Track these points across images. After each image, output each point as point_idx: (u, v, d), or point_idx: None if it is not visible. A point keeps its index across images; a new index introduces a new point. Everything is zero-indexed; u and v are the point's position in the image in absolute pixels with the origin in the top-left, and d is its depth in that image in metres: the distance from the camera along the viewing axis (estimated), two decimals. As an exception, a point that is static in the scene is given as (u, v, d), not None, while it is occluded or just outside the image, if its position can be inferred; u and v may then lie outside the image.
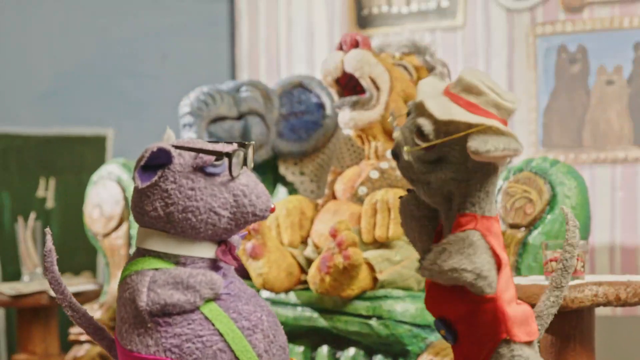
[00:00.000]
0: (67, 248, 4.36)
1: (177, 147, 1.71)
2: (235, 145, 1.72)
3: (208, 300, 1.69)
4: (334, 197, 3.31)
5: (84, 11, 4.46)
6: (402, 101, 3.26)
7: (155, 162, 1.69)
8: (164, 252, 1.71)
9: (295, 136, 3.53)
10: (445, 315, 1.76)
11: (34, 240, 3.85)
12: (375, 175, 3.20)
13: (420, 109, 1.71)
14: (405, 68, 3.31)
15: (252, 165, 1.75)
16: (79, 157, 4.43)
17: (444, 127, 1.69)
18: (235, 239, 1.77)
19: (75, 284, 3.74)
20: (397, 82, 3.25)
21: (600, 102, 3.89)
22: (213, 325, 1.68)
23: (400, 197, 1.82)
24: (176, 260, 1.71)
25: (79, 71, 4.43)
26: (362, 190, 3.19)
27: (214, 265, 1.72)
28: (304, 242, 3.25)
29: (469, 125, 1.67)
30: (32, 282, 3.78)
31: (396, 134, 1.71)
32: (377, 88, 3.21)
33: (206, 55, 4.70)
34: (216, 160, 1.68)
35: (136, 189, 1.71)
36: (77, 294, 3.71)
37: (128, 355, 1.70)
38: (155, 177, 1.68)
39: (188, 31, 4.66)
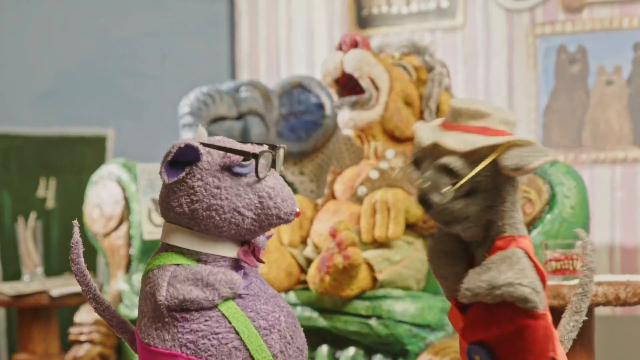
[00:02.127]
0: (67, 248, 4.36)
1: (205, 145, 1.71)
2: (264, 147, 1.72)
3: (227, 299, 1.69)
4: (333, 197, 3.31)
5: (84, 11, 4.46)
6: (401, 101, 3.27)
7: (183, 159, 1.69)
8: (186, 248, 1.71)
9: (294, 136, 3.53)
10: (484, 338, 1.70)
11: (34, 240, 3.86)
12: (374, 175, 3.20)
13: (436, 151, 1.69)
14: (405, 68, 3.31)
15: (280, 168, 1.75)
16: (79, 157, 4.43)
17: (470, 158, 1.67)
18: (260, 239, 1.77)
19: (75, 284, 3.74)
20: (397, 82, 3.25)
21: (600, 102, 3.89)
22: (230, 323, 1.68)
23: (431, 235, 1.79)
24: (198, 257, 1.71)
25: (79, 71, 4.43)
26: (362, 190, 3.20)
27: (236, 264, 1.72)
28: (304, 242, 3.25)
29: (492, 149, 1.66)
30: (32, 282, 3.78)
31: (421, 183, 1.67)
32: (377, 88, 3.21)
33: (206, 55, 4.71)
34: (244, 160, 1.68)
35: (164, 184, 1.72)
36: (77, 294, 3.71)
37: (145, 349, 1.71)
38: (183, 174, 1.68)
39: (188, 31, 4.66)
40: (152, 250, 3.51)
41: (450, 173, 1.66)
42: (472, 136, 1.67)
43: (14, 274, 4.12)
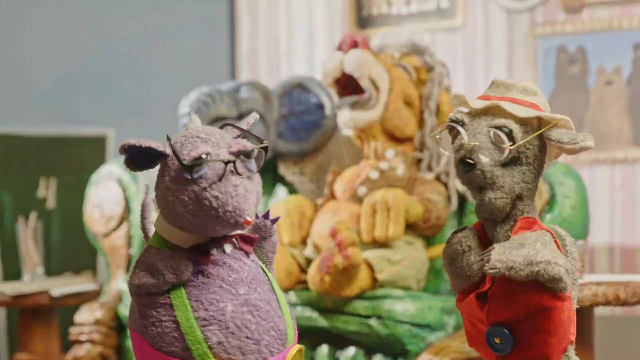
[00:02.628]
0: (67, 248, 4.37)
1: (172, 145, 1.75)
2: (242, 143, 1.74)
3: (179, 286, 1.71)
4: (333, 197, 3.31)
5: (85, 12, 4.46)
6: (401, 102, 3.27)
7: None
8: (159, 233, 1.76)
9: (294, 136, 3.53)
10: (506, 319, 1.68)
11: (35, 240, 3.86)
12: (374, 175, 3.21)
13: (486, 115, 1.69)
14: (405, 68, 3.32)
15: (251, 171, 1.74)
16: (79, 157, 4.43)
17: (523, 128, 1.70)
18: (266, 224, 1.80)
19: (75, 284, 3.75)
20: (397, 82, 3.25)
21: (600, 103, 3.90)
22: (173, 312, 1.71)
23: (454, 234, 1.76)
24: (167, 244, 1.74)
25: (79, 71, 4.43)
26: (362, 190, 3.20)
27: (197, 251, 1.73)
28: (304, 242, 3.25)
29: (542, 123, 1.70)
30: (33, 282, 3.79)
31: (469, 141, 1.67)
32: (377, 88, 3.21)
33: (206, 55, 4.71)
34: (197, 164, 1.70)
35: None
36: (77, 294, 3.72)
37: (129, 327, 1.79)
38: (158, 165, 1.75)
39: (188, 31, 4.67)
40: (153, 250, 3.53)
41: (507, 136, 1.67)
42: (525, 108, 1.70)
43: (14, 274, 4.12)
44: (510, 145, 1.68)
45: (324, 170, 3.55)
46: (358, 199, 3.20)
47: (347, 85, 3.25)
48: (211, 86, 3.51)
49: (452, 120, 1.71)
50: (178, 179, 1.70)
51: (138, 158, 1.76)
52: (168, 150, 1.73)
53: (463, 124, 1.70)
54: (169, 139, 1.76)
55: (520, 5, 4.03)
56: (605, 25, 3.87)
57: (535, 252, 1.62)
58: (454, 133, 1.71)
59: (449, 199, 3.23)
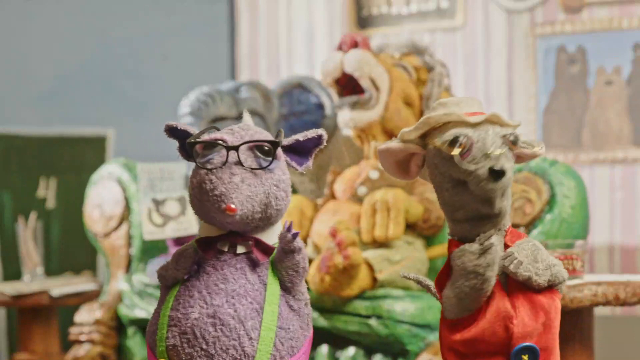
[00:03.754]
0: (67, 248, 4.37)
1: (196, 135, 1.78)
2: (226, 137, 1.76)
3: (179, 283, 1.75)
4: (333, 197, 3.31)
5: (85, 12, 4.46)
6: (401, 101, 3.27)
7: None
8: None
9: (294, 136, 3.53)
10: (530, 333, 1.70)
11: (35, 240, 3.86)
12: (374, 175, 3.21)
13: (483, 127, 1.70)
14: (405, 68, 3.32)
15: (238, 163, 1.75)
16: (79, 157, 4.43)
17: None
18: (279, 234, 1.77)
19: (75, 284, 3.75)
20: (397, 82, 3.25)
21: (600, 103, 3.90)
22: (164, 305, 1.75)
23: (454, 252, 1.73)
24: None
25: (79, 71, 4.44)
26: (362, 190, 3.20)
27: (205, 245, 1.75)
28: (304, 242, 3.25)
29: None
30: (32, 282, 3.79)
31: (496, 151, 1.67)
32: (377, 88, 3.21)
33: (206, 55, 4.71)
34: (206, 149, 1.75)
35: None
36: (77, 294, 3.72)
37: None
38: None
39: (188, 31, 4.67)
40: (152, 250, 3.53)
41: (514, 144, 1.70)
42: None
43: (14, 274, 4.13)
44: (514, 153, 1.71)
45: (324, 170, 3.55)
46: (358, 199, 3.20)
47: (347, 85, 3.25)
48: (211, 86, 3.51)
49: (462, 135, 1.69)
50: (196, 164, 1.74)
51: (185, 146, 1.78)
52: (190, 131, 1.76)
53: (470, 137, 1.70)
54: (216, 128, 1.79)
55: (520, 5, 4.03)
56: (605, 25, 3.87)
57: (547, 257, 1.67)
58: (463, 147, 1.67)
59: (448, 199, 3.23)
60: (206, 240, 1.75)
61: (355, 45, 3.21)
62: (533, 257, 1.67)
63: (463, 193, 1.68)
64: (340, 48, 3.24)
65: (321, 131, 1.80)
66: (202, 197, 1.69)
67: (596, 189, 3.87)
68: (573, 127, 3.93)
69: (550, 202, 3.04)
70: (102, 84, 4.48)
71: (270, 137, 1.78)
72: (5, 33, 4.29)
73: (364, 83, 3.19)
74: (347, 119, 3.24)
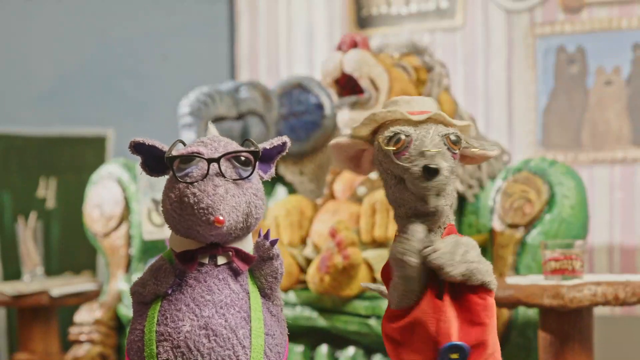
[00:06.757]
0: (67, 248, 4.37)
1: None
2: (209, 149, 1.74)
3: (159, 298, 1.73)
4: (333, 197, 3.31)
5: (85, 12, 4.46)
6: (401, 101, 3.27)
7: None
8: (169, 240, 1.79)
9: (294, 136, 3.54)
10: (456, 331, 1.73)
11: (35, 240, 3.86)
12: (374, 175, 3.21)
13: (425, 126, 1.72)
14: (404, 68, 3.32)
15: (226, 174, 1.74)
16: (79, 157, 4.43)
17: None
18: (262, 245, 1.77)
19: (75, 284, 3.75)
20: (396, 82, 3.25)
21: (599, 103, 3.90)
22: (146, 322, 1.72)
23: (404, 236, 1.77)
24: (172, 252, 1.76)
25: (79, 71, 4.44)
26: (362, 190, 3.20)
27: (185, 258, 1.74)
28: (303, 242, 3.25)
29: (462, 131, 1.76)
30: (32, 282, 3.79)
31: (431, 149, 1.70)
32: (376, 88, 3.21)
33: (206, 55, 4.71)
34: (182, 162, 1.73)
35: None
36: (77, 294, 3.72)
37: None
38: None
39: (188, 31, 4.67)
40: (152, 250, 3.53)
41: (454, 144, 1.72)
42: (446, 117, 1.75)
43: (14, 274, 4.13)
44: (455, 152, 1.73)
45: (324, 170, 3.55)
46: (358, 199, 3.20)
47: (347, 85, 3.25)
48: (211, 86, 3.51)
49: (401, 132, 1.73)
50: (171, 179, 1.72)
51: (150, 161, 1.76)
52: (164, 149, 1.74)
53: (401, 139, 1.73)
54: (182, 142, 1.77)
55: (519, 5, 4.03)
56: (605, 26, 3.87)
57: (468, 254, 1.69)
58: (401, 145, 1.72)
59: (448, 199, 3.23)
60: (186, 254, 1.73)
61: (354, 45, 3.21)
62: (451, 249, 1.69)
63: (403, 190, 1.73)
64: (339, 48, 3.24)
65: (285, 138, 1.81)
66: (183, 212, 1.68)
67: (596, 189, 3.87)
68: (572, 127, 3.93)
69: (550, 202, 3.04)
70: (102, 84, 4.48)
71: (240, 148, 1.77)
72: (5, 33, 4.29)
73: (364, 83, 3.19)
74: (347, 119, 3.24)
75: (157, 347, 1.68)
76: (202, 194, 1.67)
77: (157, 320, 1.70)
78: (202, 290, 1.72)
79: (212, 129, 1.83)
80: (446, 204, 1.73)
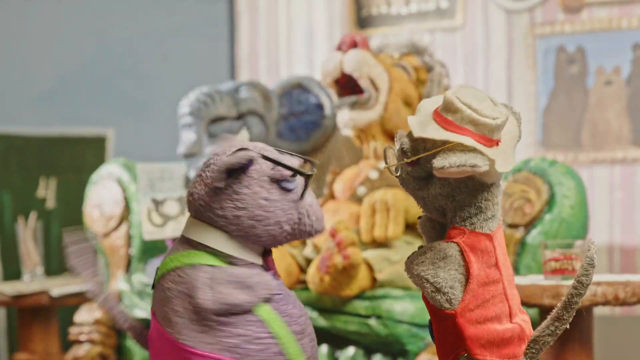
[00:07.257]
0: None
1: (264, 157, 1.74)
2: (302, 162, 1.80)
3: (264, 302, 1.71)
4: (333, 197, 3.31)
5: (85, 12, 4.46)
6: (401, 101, 3.27)
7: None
8: (220, 250, 1.72)
9: (294, 136, 3.54)
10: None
11: (35, 240, 3.86)
12: (374, 175, 3.21)
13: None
14: (404, 68, 3.32)
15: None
16: (79, 157, 4.43)
17: (422, 145, 1.70)
18: None
19: (75, 284, 3.75)
20: (396, 82, 3.25)
21: (599, 103, 3.90)
22: (268, 327, 1.70)
23: (419, 218, 1.81)
24: (229, 260, 1.72)
25: (79, 71, 4.44)
26: (361, 190, 3.20)
27: (264, 268, 1.75)
28: (303, 242, 3.25)
29: (444, 143, 1.68)
30: (32, 282, 3.79)
31: (389, 152, 1.74)
32: (376, 88, 3.21)
33: (206, 55, 4.71)
34: (292, 176, 1.74)
35: (203, 182, 1.72)
36: (76, 294, 3.72)
37: (185, 350, 1.71)
38: (233, 179, 1.71)
39: (188, 31, 4.67)
40: (152, 250, 3.53)
41: (403, 152, 1.72)
42: (433, 125, 1.69)
43: (14, 274, 4.13)
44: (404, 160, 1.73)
45: (324, 170, 3.55)
46: (358, 199, 3.20)
47: (347, 85, 3.25)
48: (211, 86, 3.51)
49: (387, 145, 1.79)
50: (270, 191, 1.72)
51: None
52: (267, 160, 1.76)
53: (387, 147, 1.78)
54: (265, 157, 1.76)
55: (519, 5, 4.03)
56: (605, 26, 3.87)
57: (417, 265, 1.68)
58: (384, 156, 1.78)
59: (448, 199, 3.23)
60: (269, 261, 1.78)
61: (354, 45, 3.21)
62: (417, 259, 1.71)
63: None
64: (339, 48, 3.24)
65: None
66: (305, 225, 1.74)
67: (596, 189, 3.87)
68: (572, 127, 3.94)
69: (550, 202, 3.04)
70: (102, 84, 4.48)
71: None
72: (5, 33, 4.29)
73: (363, 83, 3.19)
74: (347, 119, 3.24)
75: (300, 346, 1.72)
76: (311, 207, 1.76)
77: (285, 322, 1.72)
78: (282, 284, 1.77)
79: (245, 134, 1.85)
80: (424, 205, 1.74)
